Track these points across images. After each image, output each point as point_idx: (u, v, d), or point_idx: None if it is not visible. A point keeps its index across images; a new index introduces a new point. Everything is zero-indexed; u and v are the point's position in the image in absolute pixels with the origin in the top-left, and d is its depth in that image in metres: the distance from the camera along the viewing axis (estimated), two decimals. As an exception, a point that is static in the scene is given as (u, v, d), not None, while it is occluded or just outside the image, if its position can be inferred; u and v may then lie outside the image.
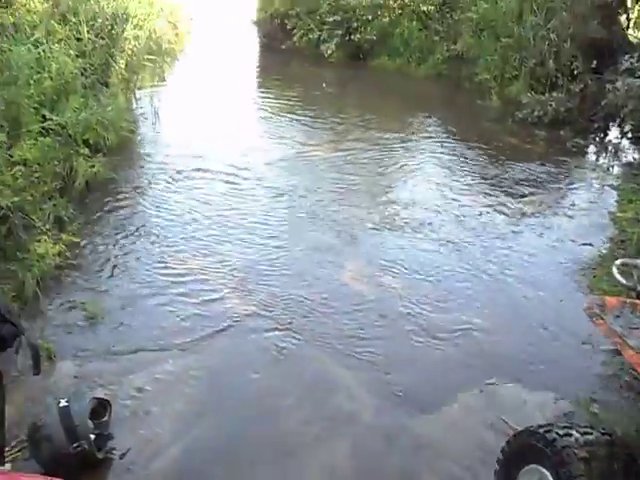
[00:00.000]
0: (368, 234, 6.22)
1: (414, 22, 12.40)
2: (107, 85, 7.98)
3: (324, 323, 4.83)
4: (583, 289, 5.40)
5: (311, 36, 13.21)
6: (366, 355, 4.51)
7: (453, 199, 6.99)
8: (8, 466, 1.83)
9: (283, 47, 13.49)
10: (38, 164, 5.61)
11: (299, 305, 5.01)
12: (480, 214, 6.67)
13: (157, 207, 6.48)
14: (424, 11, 12.36)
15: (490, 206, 6.86)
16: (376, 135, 8.82)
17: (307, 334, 4.68)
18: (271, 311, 4.92)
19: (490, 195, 7.13)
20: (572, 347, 4.72)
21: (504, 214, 6.70)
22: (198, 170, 7.35)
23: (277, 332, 4.69)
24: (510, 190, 7.27)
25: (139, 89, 9.08)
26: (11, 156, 5.30)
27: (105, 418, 3.65)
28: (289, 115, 9.50)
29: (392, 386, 4.24)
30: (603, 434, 2.95)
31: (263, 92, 11.04)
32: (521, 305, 5.22)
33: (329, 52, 12.81)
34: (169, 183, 7.03)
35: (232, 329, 4.71)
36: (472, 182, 7.49)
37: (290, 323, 4.79)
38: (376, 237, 6.19)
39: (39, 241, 5.09)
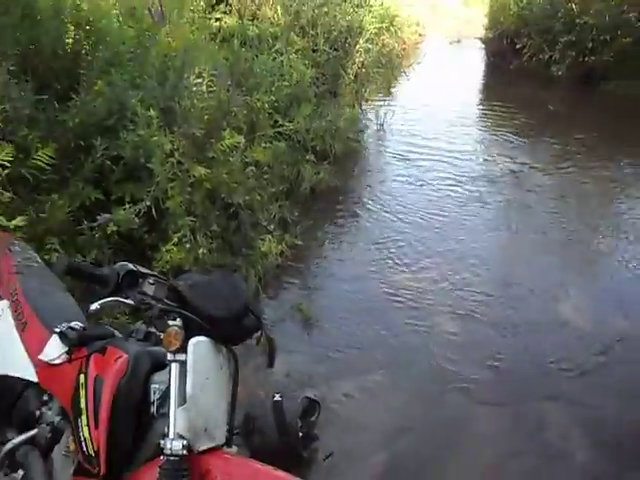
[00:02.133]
0: (590, 266, 5.90)
1: (658, 44, 11.60)
2: (335, 95, 8.20)
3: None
4: None
5: (541, 56, 12.79)
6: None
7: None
8: (235, 449, 1.89)
9: (511, 67, 13.20)
10: (268, 166, 5.86)
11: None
12: None
13: (380, 219, 6.53)
14: (671, 33, 11.54)
15: None
16: (599, 163, 8.27)
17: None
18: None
19: None
20: None
21: None
22: (422, 183, 7.38)
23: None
24: None
25: (366, 101, 9.27)
26: (245, 156, 5.58)
27: (313, 418, 3.72)
28: (509, 134, 9.27)
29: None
30: None
31: (486, 109, 10.90)
32: None
33: (559, 73, 12.34)
34: (393, 195, 7.09)
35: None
36: None
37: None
38: (600, 274, 5.84)
39: (263, 240, 5.30)
